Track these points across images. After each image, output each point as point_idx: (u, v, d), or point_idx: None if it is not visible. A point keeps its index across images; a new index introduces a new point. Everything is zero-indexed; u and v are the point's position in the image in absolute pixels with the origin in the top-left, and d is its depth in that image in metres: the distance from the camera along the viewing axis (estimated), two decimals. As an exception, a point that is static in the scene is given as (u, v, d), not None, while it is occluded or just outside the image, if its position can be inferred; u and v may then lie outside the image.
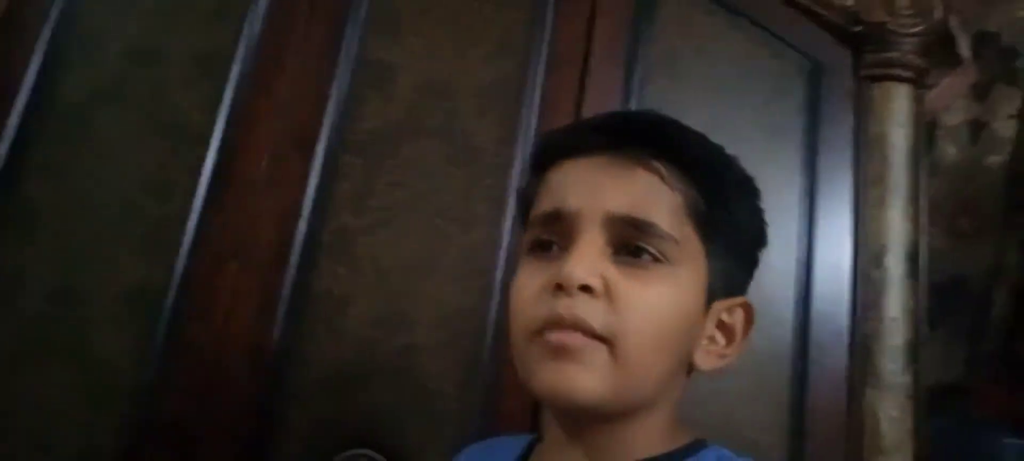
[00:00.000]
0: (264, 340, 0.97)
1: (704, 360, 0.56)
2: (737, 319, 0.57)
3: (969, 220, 1.43)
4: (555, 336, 0.50)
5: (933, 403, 0.98)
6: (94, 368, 0.99)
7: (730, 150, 0.58)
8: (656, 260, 0.52)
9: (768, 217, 0.56)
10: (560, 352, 0.50)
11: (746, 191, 0.58)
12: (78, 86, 1.13)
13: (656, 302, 0.52)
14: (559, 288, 0.51)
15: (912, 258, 0.99)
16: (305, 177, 1.03)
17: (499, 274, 0.99)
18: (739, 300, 0.58)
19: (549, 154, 0.58)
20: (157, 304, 0.99)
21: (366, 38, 1.10)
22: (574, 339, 0.50)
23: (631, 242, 0.52)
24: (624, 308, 0.51)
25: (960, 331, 1.39)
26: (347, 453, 0.93)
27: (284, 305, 0.98)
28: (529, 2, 1.11)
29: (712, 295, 0.55)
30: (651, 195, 0.53)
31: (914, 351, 0.95)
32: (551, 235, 0.55)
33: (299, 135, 1.06)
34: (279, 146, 1.05)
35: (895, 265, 0.98)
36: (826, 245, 0.99)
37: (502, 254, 1.00)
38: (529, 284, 0.54)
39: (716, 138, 0.58)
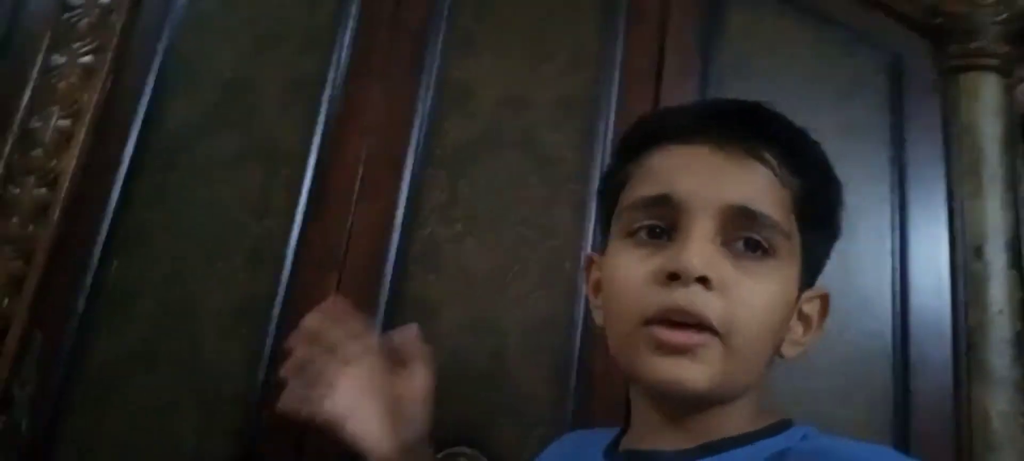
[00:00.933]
0: (362, 346, 1.00)
1: (789, 349, 0.57)
2: (814, 309, 0.58)
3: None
4: (674, 337, 0.50)
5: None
6: (206, 375, 1.05)
7: None
8: (767, 254, 0.52)
9: (857, 215, 0.57)
10: (677, 349, 0.50)
11: (838, 186, 0.59)
12: (182, 115, 1.22)
13: (766, 296, 0.52)
14: (673, 277, 0.50)
15: (1014, 248, 0.96)
16: (395, 191, 1.08)
17: (583, 279, 1.01)
18: (819, 291, 0.59)
19: (646, 138, 0.58)
20: (264, 314, 1.05)
21: (446, 58, 1.16)
22: (694, 338, 0.50)
23: (742, 234, 0.52)
24: (737, 302, 0.51)
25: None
26: (448, 451, 0.95)
27: (381, 312, 1.02)
28: (599, 16, 1.14)
29: (803, 285, 0.56)
30: (764, 187, 0.53)
31: (1022, 344, 0.91)
32: (656, 220, 0.54)
33: (388, 152, 1.11)
34: (370, 163, 1.10)
35: (996, 257, 0.95)
36: (921, 240, 0.96)
37: (582, 260, 1.02)
38: (636, 269, 0.53)
39: None
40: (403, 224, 1.06)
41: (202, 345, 1.06)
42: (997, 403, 0.89)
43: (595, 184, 1.04)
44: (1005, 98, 1.03)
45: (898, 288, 0.95)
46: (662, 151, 0.56)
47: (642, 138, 0.58)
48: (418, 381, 0.70)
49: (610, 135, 1.07)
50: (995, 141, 1.01)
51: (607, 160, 1.05)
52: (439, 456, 0.95)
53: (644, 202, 0.55)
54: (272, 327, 1.04)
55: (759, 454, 0.52)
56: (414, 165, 1.10)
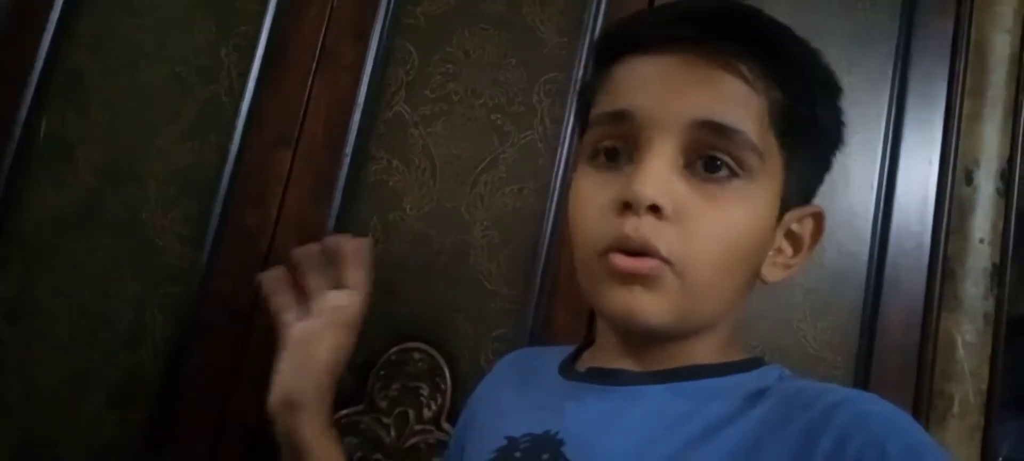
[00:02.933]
0: (317, 229, 0.94)
1: (771, 272, 0.53)
2: (806, 228, 0.55)
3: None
4: (623, 262, 0.47)
5: (1011, 332, 0.92)
6: (146, 245, 0.98)
7: None
8: (733, 174, 0.48)
9: (853, 128, 0.52)
10: (628, 278, 0.48)
11: (831, 91, 0.54)
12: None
13: (729, 225, 0.48)
14: (626, 206, 0.47)
15: (1005, 176, 0.92)
16: (360, 64, 0.98)
17: (559, 176, 0.95)
18: (811, 209, 0.54)
19: (614, 46, 0.53)
20: (210, 187, 0.97)
21: (424, -83, 1.03)
22: (643, 265, 0.47)
23: (708, 151, 0.48)
24: (694, 232, 0.47)
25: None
26: (402, 345, 0.91)
27: (338, 194, 0.95)
28: None
29: (786, 205, 0.52)
30: (736, 99, 0.48)
31: (999, 276, 0.89)
32: (616, 140, 0.50)
33: (353, 19, 1.00)
34: (333, 30, 1.00)
35: (986, 183, 0.91)
36: (913, 160, 0.92)
37: (562, 155, 0.95)
38: (593, 197, 0.50)
39: None
40: (366, 101, 0.97)
41: (142, 212, 0.99)
42: (965, 333, 0.88)
43: (579, 74, 0.97)
44: (1021, 14, 0.96)
45: (882, 208, 0.91)
46: (627, 62, 0.51)
47: (610, 47, 0.54)
48: (344, 318, 0.71)
49: (599, 19, 0.98)
50: (1004, 60, 0.95)
51: (590, 46, 0.97)
52: (392, 351, 0.91)
53: (604, 119, 0.51)
54: (218, 201, 0.97)
55: (733, 388, 0.50)
56: (381, 37, 0.99)
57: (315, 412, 0.67)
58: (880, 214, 0.91)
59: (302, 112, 0.98)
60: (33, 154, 1.03)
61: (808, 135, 0.51)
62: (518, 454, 0.52)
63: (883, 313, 0.88)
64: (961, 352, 0.86)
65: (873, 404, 0.45)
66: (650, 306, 0.48)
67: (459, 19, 1.00)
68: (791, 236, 0.54)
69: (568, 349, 0.62)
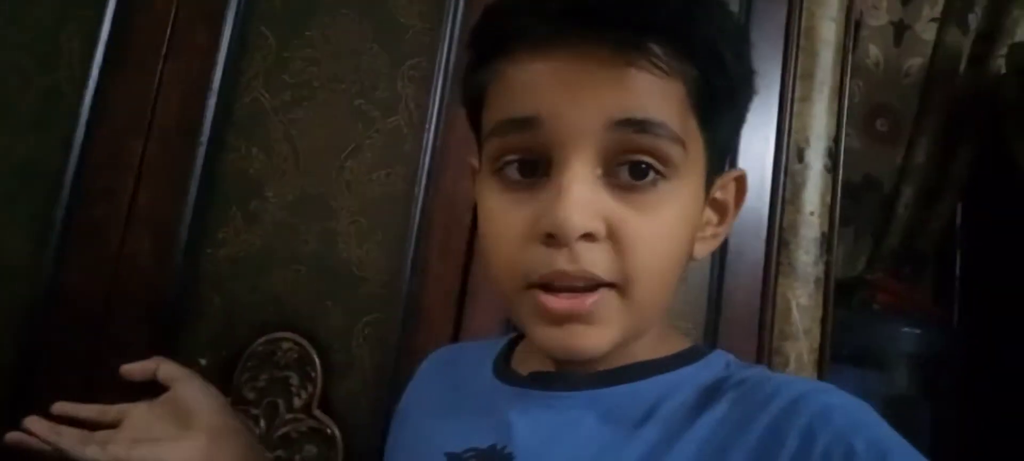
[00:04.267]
0: (174, 221, 0.91)
1: (700, 248, 0.51)
2: (730, 192, 0.52)
3: (886, 122, 1.48)
4: (557, 304, 0.43)
5: (838, 295, 1.02)
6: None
7: None
8: (660, 176, 0.44)
9: None
10: (566, 318, 0.44)
11: (739, 44, 0.49)
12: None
13: (662, 230, 0.45)
14: (551, 238, 0.43)
15: (832, 154, 1.01)
16: (213, 49, 0.95)
17: (425, 160, 0.96)
18: (733, 174, 0.52)
19: (500, 39, 0.47)
20: (54, 183, 0.91)
21: None
22: (583, 304, 0.43)
23: (627, 158, 0.44)
24: (631, 247, 0.44)
25: (867, 229, 1.46)
26: (269, 336, 0.90)
27: (195, 185, 0.92)
28: None
29: (710, 180, 0.49)
30: (651, 89, 0.43)
31: (828, 243, 0.98)
32: (524, 152, 0.45)
33: (204, 2, 0.96)
34: (182, 14, 0.96)
35: (815, 160, 1.00)
36: (751, 138, 0.99)
37: (429, 139, 0.96)
38: (508, 221, 0.45)
39: None
40: (221, 88, 0.94)
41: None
42: (799, 297, 0.96)
43: (444, 57, 0.97)
44: (846, 3, 1.05)
45: (726, 186, 0.98)
46: (519, 61, 0.45)
47: (494, 38, 0.47)
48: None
49: (460, 8, 0.99)
50: (830, 46, 1.04)
51: (457, 33, 0.98)
52: (260, 341, 0.90)
53: (505, 126, 0.46)
54: (64, 196, 0.91)
55: (686, 383, 0.48)
56: (236, 20, 0.96)
57: None
58: (724, 190, 0.97)
59: (153, 99, 0.94)
60: None
61: (725, 103, 0.48)
62: None
63: (727, 282, 0.95)
64: (795, 314, 0.95)
65: (834, 397, 0.43)
66: (592, 340, 0.45)
67: (318, 3, 0.98)
68: (715, 204, 0.51)
69: (496, 344, 0.58)
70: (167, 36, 0.95)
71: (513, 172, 0.46)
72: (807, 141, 1.00)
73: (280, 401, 0.89)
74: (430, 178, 0.95)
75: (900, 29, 1.51)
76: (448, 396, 0.57)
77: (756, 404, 0.44)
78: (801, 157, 1.00)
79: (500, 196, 0.46)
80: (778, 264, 0.96)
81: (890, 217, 1.42)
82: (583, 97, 0.43)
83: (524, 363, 0.53)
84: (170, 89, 0.94)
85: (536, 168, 0.45)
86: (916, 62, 1.49)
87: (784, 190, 0.97)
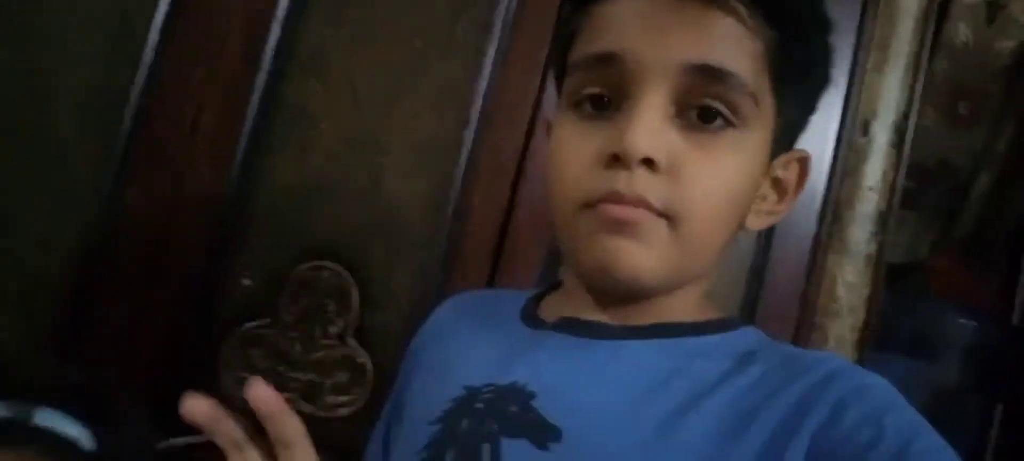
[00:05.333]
0: (232, 146, 0.94)
1: (754, 221, 0.51)
2: (792, 173, 0.52)
3: (969, 105, 1.40)
4: (614, 209, 0.44)
5: (893, 278, 0.99)
6: (58, 157, 0.97)
7: None
8: (728, 124, 0.45)
9: None
10: (618, 226, 0.45)
11: (824, 28, 0.50)
12: None
13: (724, 177, 0.46)
14: (616, 159, 0.44)
15: (900, 130, 0.97)
16: (280, -20, 0.97)
17: (478, 107, 0.96)
18: (798, 154, 0.52)
19: None
20: (121, 102, 0.96)
21: None
22: (635, 214, 0.44)
23: (702, 100, 0.45)
24: (689, 185, 0.45)
25: (935, 215, 1.39)
26: (311, 264, 0.93)
27: (253, 111, 0.95)
28: None
29: (775, 151, 0.50)
30: (730, 41, 0.45)
31: (883, 222, 0.94)
32: (602, 86, 0.47)
33: (275, -66, 0.98)
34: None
35: (881, 134, 0.96)
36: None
37: (482, 86, 0.96)
38: (578, 148, 0.47)
39: None
40: (286, 19, 0.96)
41: (55, 125, 0.97)
42: (846, 274, 0.93)
43: (503, 6, 0.97)
44: (929, -26, 0.99)
45: (782, 153, 0.94)
46: (608, 1, 0.47)
47: None
48: None
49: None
50: (910, 16, 0.99)
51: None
52: (302, 267, 0.93)
53: (588, 62, 0.47)
54: (129, 116, 0.96)
55: (721, 348, 0.48)
56: (304, -47, 0.98)
57: None
58: (779, 158, 0.94)
59: (222, 26, 0.97)
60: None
61: (801, 77, 0.49)
62: (479, 405, 0.48)
63: (773, 252, 0.92)
64: (841, 290, 0.92)
65: (868, 378, 0.44)
66: (639, 259, 0.45)
67: (384, -57, 0.99)
68: (775, 182, 0.52)
69: (524, 295, 0.59)
70: (235, -35, 0.97)
71: (589, 106, 0.47)
72: (874, 114, 0.96)
73: (317, 327, 0.92)
74: (480, 125, 0.96)
75: (994, 8, 1.41)
76: (472, 332, 0.57)
77: (791, 374, 0.44)
78: (866, 130, 0.95)
79: (574, 125, 0.48)
80: (829, 238, 0.93)
81: (961, 204, 1.35)
82: (664, 38, 0.45)
83: (552, 313, 0.53)
84: (235, 19, 0.96)
85: (612, 103, 0.47)
86: (1008, 45, 1.39)
87: (844, 162, 0.94)
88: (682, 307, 0.50)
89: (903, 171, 0.96)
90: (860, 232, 0.93)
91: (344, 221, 0.95)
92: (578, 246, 0.47)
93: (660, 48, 0.45)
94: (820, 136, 0.95)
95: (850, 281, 0.92)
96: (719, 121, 0.45)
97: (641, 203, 0.44)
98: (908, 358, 1.14)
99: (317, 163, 0.96)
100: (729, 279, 0.92)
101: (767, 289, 0.91)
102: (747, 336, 0.50)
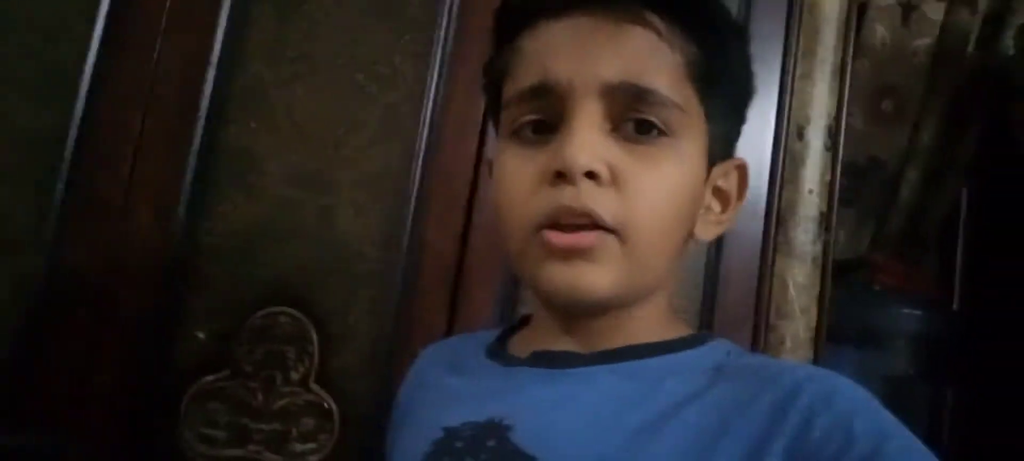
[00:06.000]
0: (175, 194, 0.92)
1: (704, 230, 0.52)
2: (732, 182, 0.54)
3: (892, 103, 1.47)
4: (561, 239, 0.46)
5: (838, 275, 1.02)
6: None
7: None
8: (661, 133, 0.47)
9: None
10: (568, 253, 0.46)
11: (741, 40, 0.53)
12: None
13: (666, 184, 0.47)
14: (560, 176, 0.45)
15: (832, 133, 1.01)
16: (212, 23, 0.95)
17: (424, 137, 0.96)
18: (735, 162, 0.54)
19: (518, 16, 0.51)
20: (56, 152, 0.92)
21: None
22: (583, 239, 0.45)
23: (631, 115, 0.47)
24: (633, 194, 0.46)
25: (870, 211, 1.45)
26: (267, 310, 0.91)
27: (194, 158, 0.92)
28: None
29: (712, 160, 0.51)
30: (650, 57, 0.47)
31: (826, 223, 0.98)
32: (537, 112, 0.48)
33: (206, -24, 0.97)
34: (183, -12, 0.96)
35: (816, 138, 1.00)
36: (751, 116, 0.98)
37: (426, 115, 0.96)
38: (521, 173, 0.48)
39: None
40: (220, 61, 0.95)
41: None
42: (796, 276, 0.96)
43: (443, 33, 0.97)
44: (847, -19, 1.04)
45: (725, 164, 0.97)
46: (535, 31, 0.49)
47: (513, 16, 0.51)
48: None
49: (458, -19, 0.99)
50: (833, 23, 1.04)
51: (455, 8, 0.98)
52: (258, 315, 0.91)
53: (522, 96, 0.49)
54: (64, 167, 0.92)
55: (688, 365, 0.49)
56: (235, -4, 0.96)
57: None
58: (723, 168, 0.97)
59: (152, 73, 0.94)
60: None
61: (724, 88, 0.51)
62: (459, 444, 0.49)
63: (725, 260, 0.94)
64: (792, 292, 0.95)
65: (838, 382, 0.44)
66: (595, 278, 0.46)
67: (317, -22, 0.98)
68: (718, 192, 0.53)
69: (490, 334, 0.60)
70: (166, 9, 0.95)
71: (528, 132, 0.49)
72: (808, 119, 0.99)
73: (277, 374, 0.90)
74: (428, 153, 0.95)
75: (908, 9, 1.49)
76: (448, 377, 0.58)
77: (759, 385, 0.45)
78: (801, 135, 0.99)
79: (515, 152, 0.49)
80: (776, 242, 0.95)
81: (894, 199, 1.41)
82: (586, 59, 0.46)
83: (524, 348, 0.54)
84: (170, 63, 0.94)
85: (549, 128, 0.48)
86: (924, 43, 1.47)
87: (783, 168, 0.97)
88: (647, 326, 0.51)
89: (838, 172, 1.00)
90: (804, 234, 0.96)
91: (297, 263, 0.93)
92: (534, 273, 0.48)
93: (584, 69, 0.46)
94: (758, 144, 0.98)
95: (800, 282, 0.95)
96: (654, 132, 0.47)
97: (589, 215, 0.45)
98: (859, 350, 1.18)
99: (264, 205, 0.94)
100: (685, 288, 0.94)
101: (721, 295, 0.93)
102: (715, 350, 0.51)
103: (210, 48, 0.94)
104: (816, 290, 0.97)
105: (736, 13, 1.00)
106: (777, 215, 0.96)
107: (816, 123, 1.00)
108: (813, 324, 0.96)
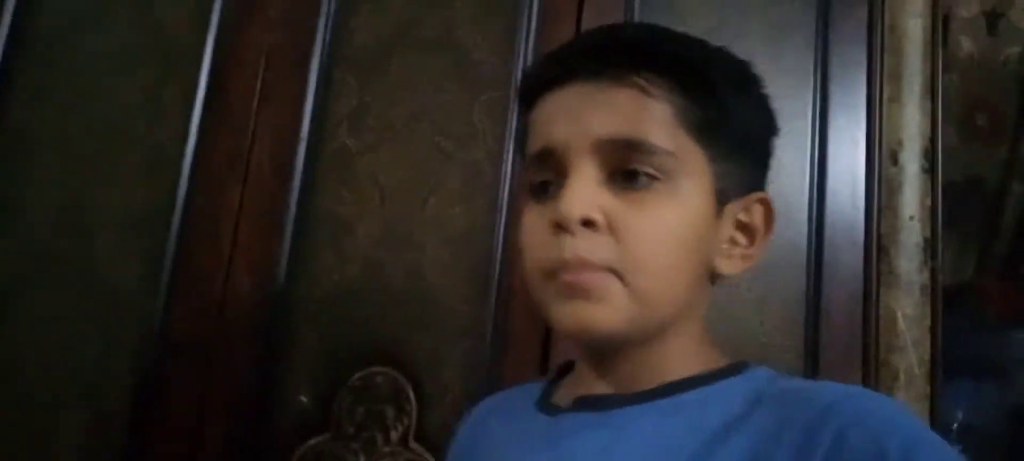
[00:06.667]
0: (271, 261, 0.96)
1: (727, 265, 0.54)
2: (756, 216, 0.55)
3: (985, 116, 1.39)
4: (567, 277, 0.49)
5: (946, 302, 0.96)
6: (103, 292, 0.99)
7: (737, 51, 0.54)
8: (654, 179, 0.50)
9: (781, 119, 0.52)
10: (574, 291, 0.49)
11: (742, 82, 0.55)
12: (58, 10, 1.09)
13: (660, 225, 0.50)
14: (560, 227, 0.49)
15: (928, 155, 0.96)
16: (301, 95, 1.00)
17: (504, 190, 0.97)
18: (755, 196, 0.55)
19: (532, 91, 0.56)
20: (162, 226, 0.98)
21: (355, -57, 1.05)
22: (585, 278, 0.48)
23: (624, 166, 0.50)
24: (628, 238, 0.49)
25: (973, 232, 1.37)
26: (364, 371, 0.92)
27: (289, 225, 0.96)
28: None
29: (724, 198, 0.53)
30: (636, 111, 0.50)
31: (932, 249, 0.93)
32: (546, 175, 0.52)
33: (292, 50, 1.02)
34: (272, 63, 1.01)
35: (911, 162, 0.95)
36: (840, 146, 0.96)
37: (506, 170, 0.98)
38: (535, 226, 0.52)
39: (721, 40, 0.54)
40: (310, 133, 0.99)
41: (98, 259, 0.99)
42: (904, 307, 0.91)
43: (516, 88, 0.99)
44: (929, 1, 1.01)
45: (815, 194, 0.94)
46: (542, 102, 0.54)
47: (529, 91, 0.56)
48: None
49: (532, 36, 1.01)
50: (917, 43, 1.00)
51: (529, 62, 1.00)
52: (355, 377, 0.92)
53: (533, 160, 0.54)
54: (172, 240, 0.98)
55: (727, 393, 0.50)
56: (320, 67, 1.01)
57: None
58: (814, 200, 0.94)
59: (248, 147, 0.99)
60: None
61: (724, 130, 0.52)
62: None
63: (825, 294, 0.91)
64: (902, 325, 0.90)
65: (871, 401, 0.45)
66: (598, 315, 0.49)
67: (395, 46, 1.02)
68: (742, 227, 0.54)
69: (535, 386, 0.62)
70: (258, 87, 1.00)
71: (540, 191, 0.53)
72: (900, 143, 0.96)
73: (378, 434, 0.91)
74: (510, 206, 0.96)
75: (993, 18, 1.43)
76: (499, 431, 0.60)
77: (793, 410, 0.46)
78: (895, 160, 0.95)
79: (531, 210, 0.53)
80: (879, 273, 0.91)
81: (998, 217, 1.33)
82: (580, 121, 0.51)
83: (566, 397, 0.56)
84: (263, 135, 0.99)
85: (555, 185, 0.52)
86: (1014, 51, 1.40)
87: (879, 195, 0.93)
88: (681, 359, 0.52)
89: (939, 195, 0.95)
90: (909, 263, 0.92)
91: (389, 322, 0.94)
92: (549, 313, 0.51)
93: (575, 129, 0.51)
94: (851, 173, 0.95)
95: (909, 313, 0.90)
96: (644, 179, 0.50)
97: (584, 265, 0.48)
98: (978, 382, 1.11)
99: (356, 268, 0.97)
100: (784, 329, 0.91)
101: (825, 332, 0.90)
102: (754, 378, 0.52)
103: (300, 120, 0.99)
104: (927, 321, 0.92)
105: (814, 42, 0.98)
106: (878, 244, 0.92)
107: (910, 145, 0.96)
108: (926, 357, 0.91)
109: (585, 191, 0.49)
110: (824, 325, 0.90)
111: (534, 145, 0.53)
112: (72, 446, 0.95)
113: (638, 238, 0.49)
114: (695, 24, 0.94)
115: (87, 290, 0.99)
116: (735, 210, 0.54)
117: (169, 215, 0.99)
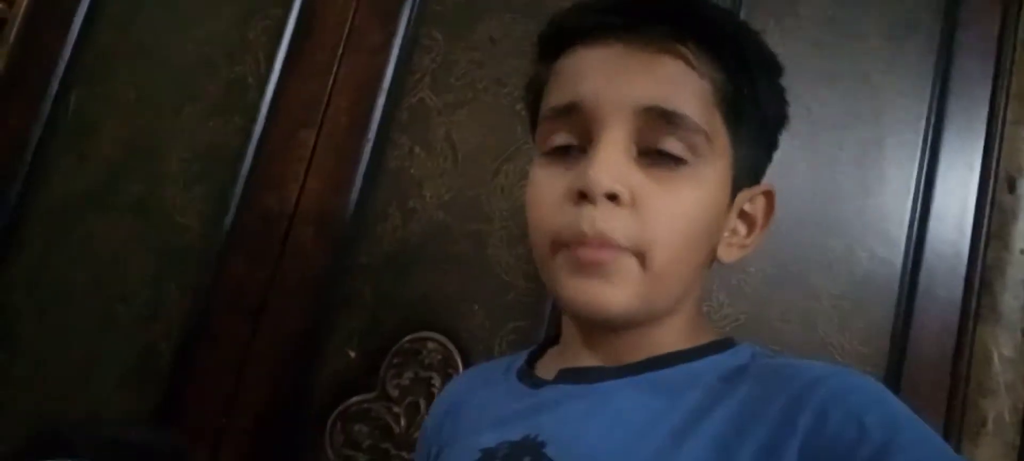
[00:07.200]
0: (335, 213, 0.94)
1: (727, 253, 0.54)
2: (758, 207, 0.55)
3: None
4: (582, 252, 0.47)
5: (1049, 348, 0.88)
6: (165, 223, 0.99)
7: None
8: (683, 160, 0.48)
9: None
10: (587, 268, 0.47)
11: (772, 70, 0.53)
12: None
13: (685, 209, 0.49)
14: (582, 196, 0.47)
15: (1050, 186, 0.88)
16: (387, 49, 0.98)
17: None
18: (762, 188, 0.55)
19: (559, 39, 0.53)
20: (230, 167, 0.98)
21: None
22: (602, 255, 0.47)
23: (657, 139, 0.48)
24: (652, 218, 0.47)
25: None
26: (416, 335, 0.90)
27: (359, 178, 0.94)
28: None
29: (737, 186, 0.52)
30: (679, 82, 0.48)
31: (1041, 288, 0.85)
32: (568, 133, 0.50)
33: (380, 3, 1.00)
34: (361, 12, 0.99)
35: (1030, 192, 0.87)
36: (953, 164, 0.88)
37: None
38: (548, 189, 0.50)
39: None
40: (391, 86, 0.96)
41: (162, 191, 0.99)
42: (1002, 346, 0.84)
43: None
44: (1071, 18, 0.92)
45: (918, 214, 0.87)
46: (572, 54, 0.51)
47: (555, 39, 0.53)
48: None
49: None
50: (1050, 64, 0.91)
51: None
52: (405, 340, 0.90)
53: (554, 113, 0.51)
54: (240, 181, 0.97)
55: (710, 370, 0.50)
56: (408, 21, 0.98)
57: None
58: (916, 220, 0.87)
59: (327, 95, 0.97)
60: (60, 130, 1.04)
61: (752, 115, 0.51)
62: None
63: (916, 323, 0.84)
64: (998, 366, 0.82)
65: (853, 379, 0.45)
66: (611, 295, 0.48)
67: (486, 6, 0.98)
68: (744, 216, 0.54)
69: (517, 357, 0.61)
70: (345, 35, 0.99)
71: (558, 151, 0.50)
72: (1020, 169, 0.87)
73: (422, 401, 0.89)
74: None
75: None
76: (482, 399, 0.59)
77: (776, 385, 0.46)
78: (1012, 187, 0.87)
79: (545, 169, 0.51)
80: (978, 306, 0.84)
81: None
82: (618, 83, 0.48)
83: (549, 368, 0.55)
84: (344, 86, 0.97)
85: (578, 147, 0.50)
86: None
87: (989, 223, 0.86)
88: (672, 336, 0.52)
89: (1057, 232, 0.87)
90: (1014, 300, 0.84)
91: (447, 288, 0.92)
92: (555, 285, 0.50)
93: (615, 92, 0.48)
94: (960, 197, 0.87)
95: (1007, 355, 0.82)
96: (673, 160, 0.48)
97: (606, 240, 0.46)
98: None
99: (420, 229, 0.95)
100: (868, 354, 0.84)
101: (910, 365, 0.83)
102: (739, 354, 0.51)
103: (383, 72, 0.96)
104: (1025, 367, 0.84)
105: (937, 48, 0.90)
106: (981, 276, 0.84)
107: (1030, 174, 0.87)
108: (1020, 405, 0.83)
109: (617, 163, 0.47)
110: (911, 355, 0.83)
111: (559, 98, 0.51)
112: (115, 374, 0.96)
113: (660, 220, 0.47)
114: (809, 12, 0.88)
115: (148, 219, 1.00)
116: (743, 199, 0.53)
117: (241, 153, 0.98)
